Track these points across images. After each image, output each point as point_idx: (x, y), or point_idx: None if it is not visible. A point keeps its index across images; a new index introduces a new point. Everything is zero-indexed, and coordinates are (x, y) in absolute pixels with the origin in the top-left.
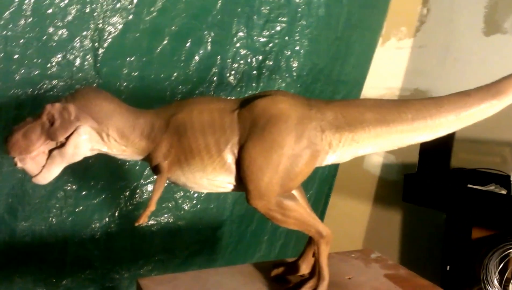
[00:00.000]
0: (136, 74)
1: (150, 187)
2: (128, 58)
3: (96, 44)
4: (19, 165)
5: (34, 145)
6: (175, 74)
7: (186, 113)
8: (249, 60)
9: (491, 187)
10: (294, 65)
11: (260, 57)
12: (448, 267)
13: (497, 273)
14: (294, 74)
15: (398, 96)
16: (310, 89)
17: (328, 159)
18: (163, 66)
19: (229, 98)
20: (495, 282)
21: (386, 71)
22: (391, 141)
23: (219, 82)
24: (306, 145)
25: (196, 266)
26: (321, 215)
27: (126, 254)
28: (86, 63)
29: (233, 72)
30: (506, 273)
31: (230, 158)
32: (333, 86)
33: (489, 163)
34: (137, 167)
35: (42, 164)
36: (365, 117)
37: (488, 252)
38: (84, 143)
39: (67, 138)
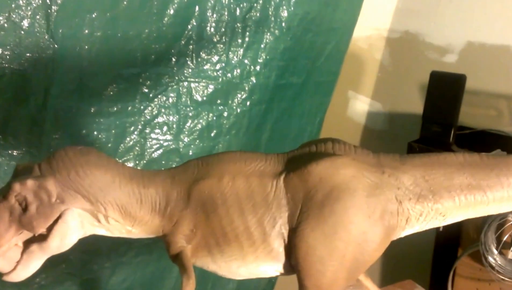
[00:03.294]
0: (99, 34)
1: None
2: (88, 15)
3: None
4: None
5: (3, 238)
6: (146, 30)
7: (213, 180)
8: (232, 10)
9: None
10: (284, 15)
11: (245, 7)
12: (441, 227)
13: (494, 241)
14: (284, 25)
15: (386, 38)
16: (300, 42)
17: (401, 235)
18: (132, 22)
19: (268, 154)
20: (494, 250)
21: (374, 9)
22: (485, 211)
23: (198, 38)
24: (379, 224)
25: None
26: None
27: (104, 242)
28: (36, 24)
29: (213, 26)
30: (505, 238)
31: (278, 243)
32: (324, 36)
33: (483, 117)
34: (109, 145)
35: (15, 260)
36: (454, 181)
37: (486, 220)
38: (74, 230)
39: (49, 228)
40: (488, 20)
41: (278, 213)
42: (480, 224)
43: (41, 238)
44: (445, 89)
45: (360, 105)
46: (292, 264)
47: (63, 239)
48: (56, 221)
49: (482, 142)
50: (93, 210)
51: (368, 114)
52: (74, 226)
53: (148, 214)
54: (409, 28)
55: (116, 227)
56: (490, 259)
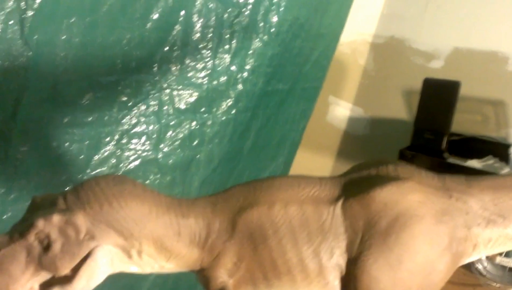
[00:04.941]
0: (77, 40)
1: None
2: (66, 20)
3: (23, 3)
4: None
5: (17, 282)
6: (128, 36)
7: (263, 207)
8: (219, 15)
9: (490, 162)
10: (273, 20)
11: (233, 12)
12: None
13: None
14: (273, 31)
15: (370, 44)
16: (289, 48)
17: (466, 261)
18: (112, 28)
19: (322, 178)
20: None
21: (360, 14)
22: None
23: (183, 44)
24: (447, 253)
25: None
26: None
27: None
28: (9, 30)
29: (199, 31)
30: None
31: (334, 275)
32: (313, 42)
33: (470, 123)
34: (81, 157)
35: None
36: None
37: None
38: (102, 270)
39: (75, 268)
40: (475, 26)
41: (335, 243)
42: None
43: (63, 280)
44: (438, 96)
45: (341, 110)
46: None
47: (90, 280)
48: (83, 260)
49: (471, 148)
50: (126, 246)
51: (349, 120)
52: (103, 265)
53: (186, 247)
54: (395, 33)
55: (148, 263)
56: (478, 264)
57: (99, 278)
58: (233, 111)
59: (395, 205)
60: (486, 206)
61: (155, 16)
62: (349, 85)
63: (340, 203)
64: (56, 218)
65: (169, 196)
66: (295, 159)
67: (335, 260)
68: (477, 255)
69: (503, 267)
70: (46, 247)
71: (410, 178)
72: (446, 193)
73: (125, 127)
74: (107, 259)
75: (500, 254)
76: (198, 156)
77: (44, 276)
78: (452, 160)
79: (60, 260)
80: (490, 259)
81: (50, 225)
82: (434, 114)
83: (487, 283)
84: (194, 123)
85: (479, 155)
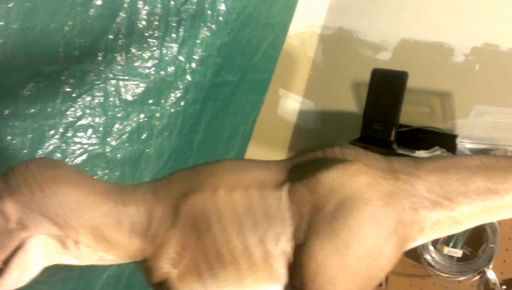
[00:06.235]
0: (15, 26)
1: None
2: (4, 6)
3: None
4: None
5: None
6: (70, 23)
7: (206, 193)
8: (165, 2)
9: (437, 152)
10: (221, 8)
11: None
12: None
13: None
14: (221, 19)
15: (319, 35)
16: (238, 37)
17: (413, 245)
18: (53, 14)
19: (268, 161)
20: (430, 247)
21: (308, 5)
22: (502, 215)
23: (128, 32)
24: (393, 236)
25: None
26: None
27: None
28: None
29: (145, 19)
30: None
31: (281, 262)
32: (261, 32)
33: (418, 114)
34: (25, 151)
35: None
36: (470, 186)
37: None
38: (36, 262)
39: (6, 260)
40: (422, 17)
41: (282, 229)
42: None
43: None
44: (386, 87)
45: (292, 103)
46: (296, 285)
47: (22, 273)
48: (14, 252)
49: (420, 139)
50: (62, 236)
51: (299, 113)
52: (37, 257)
53: (127, 237)
54: (343, 25)
55: (87, 254)
56: (426, 255)
57: (33, 271)
58: (182, 103)
59: (342, 188)
60: (432, 189)
61: (98, 2)
62: (299, 77)
63: (286, 187)
64: None
65: (107, 182)
66: (246, 152)
67: (281, 247)
68: (424, 238)
69: (451, 258)
70: None
71: (357, 160)
72: (393, 175)
73: (70, 119)
74: (41, 250)
75: (448, 244)
76: (147, 150)
77: None
78: (401, 151)
79: None
80: (439, 250)
81: None
82: (382, 105)
83: (436, 274)
84: (142, 115)
85: (427, 146)
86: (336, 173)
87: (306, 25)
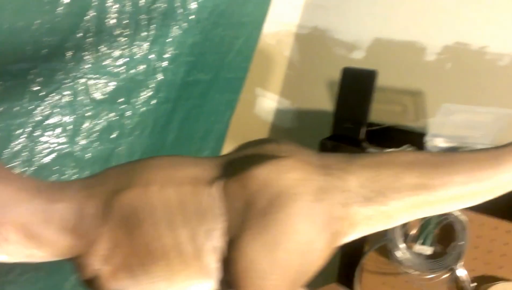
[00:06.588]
0: None
1: None
2: None
3: None
4: None
5: None
6: (38, 21)
7: (138, 190)
8: (135, 1)
9: (407, 150)
10: (192, 7)
11: None
12: None
13: (401, 235)
14: (192, 18)
15: (295, 34)
16: (210, 36)
17: (345, 241)
18: (20, 12)
19: (202, 158)
20: (400, 244)
21: (284, 4)
22: (433, 210)
23: (98, 30)
24: (324, 231)
25: None
26: None
27: None
28: None
29: (115, 17)
30: (411, 232)
31: (213, 258)
32: (234, 30)
33: (390, 113)
34: None
35: None
36: (402, 181)
37: None
38: None
39: None
40: (395, 16)
41: (214, 225)
42: None
43: None
44: (357, 85)
45: (268, 102)
46: (229, 280)
47: None
48: None
49: (391, 138)
50: None
51: (276, 112)
52: None
53: (57, 234)
54: (318, 23)
55: (18, 251)
56: (397, 252)
57: None
58: (154, 102)
59: (274, 184)
60: (365, 184)
61: (67, 0)
62: (276, 76)
63: (219, 183)
64: None
65: (38, 179)
66: (222, 151)
67: (213, 243)
68: (357, 233)
69: (422, 255)
70: None
71: (289, 156)
72: (326, 170)
73: (38, 118)
74: None
75: (418, 241)
76: (118, 149)
77: None
78: (371, 149)
79: None
80: (409, 247)
81: None
82: (352, 103)
83: (406, 272)
84: (112, 114)
85: (397, 144)
86: (267, 169)
87: (282, 24)
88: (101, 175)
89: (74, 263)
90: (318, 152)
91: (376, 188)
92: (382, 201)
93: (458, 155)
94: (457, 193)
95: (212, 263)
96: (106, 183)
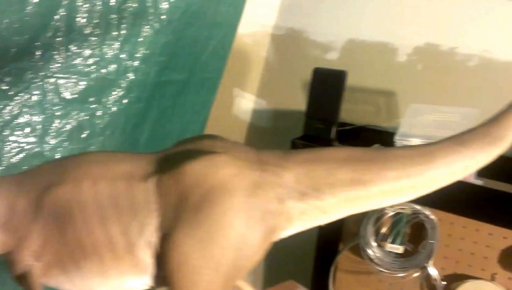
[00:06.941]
0: None
1: None
2: None
3: None
4: None
5: None
6: (6, 21)
7: (69, 185)
8: (106, 0)
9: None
10: (164, 7)
11: None
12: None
13: (373, 234)
14: (164, 18)
15: (271, 35)
16: (182, 36)
17: (282, 235)
18: None
19: (137, 154)
20: (372, 242)
21: (260, 4)
22: (368, 205)
23: (68, 30)
24: (259, 226)
25: None
26: None
27: None
28: None
29: (85, 16)
30: (382, 231)
31: (146, 253)
32: (208, 31)
33: (363, 113)
34: None
35: None
36: (336, 177)
37: (366, 213)
38: None
39: None
40: (368, 18)
41: (147, 220)
42: (360, 218)
43: None
44: (327, 86)
45: (246, 102)
46: (163, 275)
47: None
48: None
49: (362, 137)
50: None
51: (253, 112)
52: None
53: None
54: (294, 24)
55: None
56: (369, 251)
57: None
58: (125, 101)
59: (207, 179)
60: (300, 180)
61: None
62: (253, 77)
63: (153, 179)
64: None
65: None
66: None
67: (146, 238)
68: (293, 228)
69: (393, 254)
70: None
71: (224, 152)
72: (262, 166)
73: (6, 118)
74: None
75: (388, 240)
76: (89, 148)
77: None
78: None
79: None
80: (381, 246)
81: None
82: (323, 103)
83: (378, 270)
84: (82, 113)
85: (368, 144)
86: (201, 165)
87: (258, 24)
88: (34, 170)
89: (6, 260)
90: (255, 149)
91: (312, 183)
92: (317, 196)
93: (392, 151)
94: (390, 188)
95: (147, 258)
96: (38, 179)
